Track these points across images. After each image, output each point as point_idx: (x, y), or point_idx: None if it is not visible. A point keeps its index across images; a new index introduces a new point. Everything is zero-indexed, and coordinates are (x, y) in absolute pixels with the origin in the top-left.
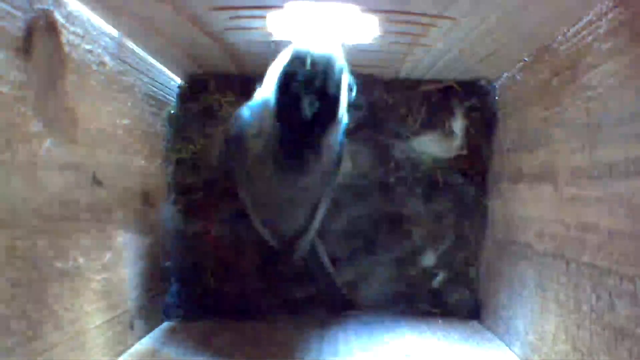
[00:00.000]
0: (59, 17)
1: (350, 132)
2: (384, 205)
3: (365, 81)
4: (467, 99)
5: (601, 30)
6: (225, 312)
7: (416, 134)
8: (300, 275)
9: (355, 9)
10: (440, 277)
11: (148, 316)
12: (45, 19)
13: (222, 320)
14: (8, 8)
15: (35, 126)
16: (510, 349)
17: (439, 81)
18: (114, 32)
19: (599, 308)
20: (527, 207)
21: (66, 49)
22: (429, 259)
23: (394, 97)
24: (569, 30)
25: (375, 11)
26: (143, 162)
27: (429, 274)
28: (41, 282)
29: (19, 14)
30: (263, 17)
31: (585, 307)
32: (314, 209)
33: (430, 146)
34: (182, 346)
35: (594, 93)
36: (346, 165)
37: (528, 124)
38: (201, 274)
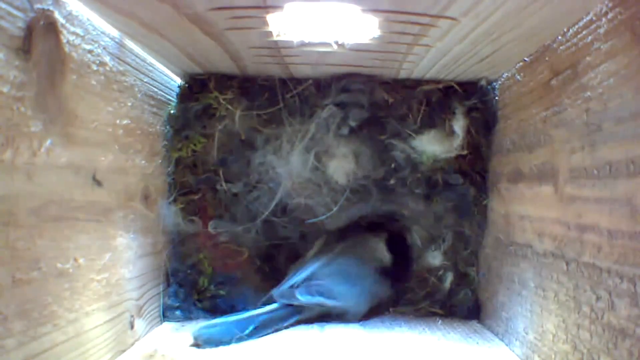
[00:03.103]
0: (59, 17)
1: (351, 132)
2: (385, 205)
3: (365, 81)
4: (467, 99)
5: (601, 30)
6: (224, 312)
7: (416, 133)
8: None
9: (355, 9)
10: (450, 277)
11: (148, 316)
12: (45, 19)
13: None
14: (8, 8)
15: (35, 126)
16: (510, 349)
17: (439, 81)
18: (114, 32)
19: (599, 308)
20: (527, 207)
21: (66, 49)
22: (433, 258)
23: (394, 97)
24: (569, 30)
25: (375, 11)
26: (143, 162)
27: (430, 273)
28: (41, 282)
29: (19, 14)
30: (263, 17)
31: (585, 307)
32: None
33: (431, 146)
34: (182, 346)
35: (594, 93)
36: (349, 166)
37: (528, 124)
38: (200, 274)
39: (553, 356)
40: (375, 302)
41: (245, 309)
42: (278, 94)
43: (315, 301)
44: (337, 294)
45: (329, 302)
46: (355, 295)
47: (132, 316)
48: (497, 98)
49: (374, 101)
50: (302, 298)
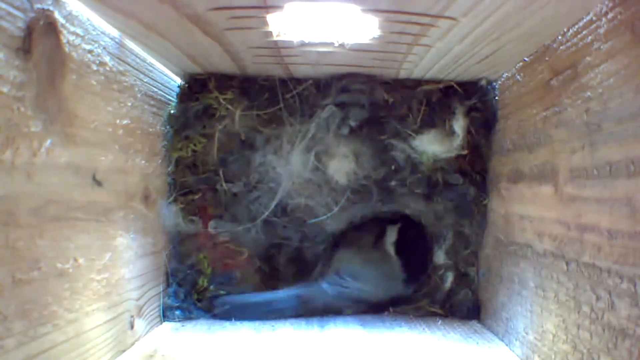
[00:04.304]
0: (59, 17)
1: (351, 132)
2: (385, 206)
3: (365, 81)
4: (467, 99)
5: (601, 30)
6: (224, 312)
7: (416, 133)
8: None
9: (355, 9)
10: (450, 277)
11: (148, 316)
12: (45, 19)
13: (221, 321)
14: (8, 8)
15: (35, 126)
16: (510, 349)
17: (439, 81)
18: (114, 32)
19: (599, 308)
20: (527, 207)
21: (66, 49)
22: (437, 257)
23: (394, 97)
24: (569, 30)
25: (375, 11)
26: (143, 162)
27: (431, 273)
28: (41, 282)
29: (19, 14)
30: (263, 17)
31: (585, 307)
32: None
33: (431, 146)
34: (182, 346)
35: (594, 93)
36: (349, 166)
37: (528, 124)
38: (200, 274)
39: (553, 356)
40: (393, 290)
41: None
42: (278, 94)
43: (344, 284)
44: (360, 277)
45: (356, 284)
46: (374, 278)
47: (132, 316)
48: (497, 98)
49: (374, 101)
50: (328, 288)
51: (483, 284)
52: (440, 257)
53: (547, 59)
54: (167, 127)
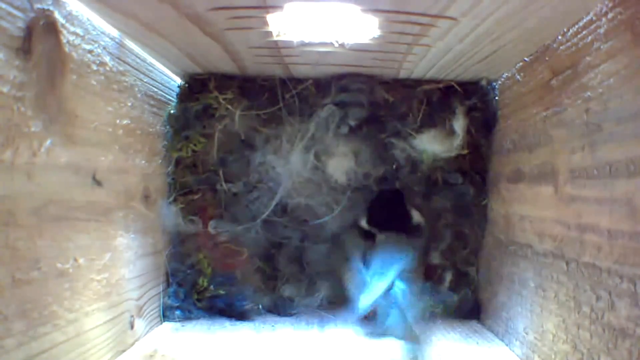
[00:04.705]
0: (59, 17)
1: (351, 131)
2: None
3: (365, 81)
4: (467, 98)
5: (601, 30)
6: (224, 312)
7: (416, 132)
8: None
9: (355, 9)
10: (449, 276)
11: (148, 316)
12: (45, 19)
13: (221, 321)
14: (8, 8)
15: (35, 126)
16: (510, 349)
17: (439, 81)
18: (114, 32)
19: (599, 308)
20: (527, 207)
21: (66, 49)
22: (433, 257)
23: (394, 97)
24: (569, 30)
25: (375, 11)
26: (143, 162)
27: (430, 272)
28: (41, 282)
29: (19, 14)
30: (263, 17)
31: (585, 307)
32: None
33: (431, 145)
34: (182, 346)
35: (594, 93)
36: (349, 165)
37: (528, 124)
38: (200, 274)
39: (553, 356)
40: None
41: (243, 307)
42: (278, 93)
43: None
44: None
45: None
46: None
47: (132, 316)
48: (497, 98)
49: (374, 100)
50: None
51: (483, 284)
52: (438, 257)
53: (547, 59)
54: (167, 127)
